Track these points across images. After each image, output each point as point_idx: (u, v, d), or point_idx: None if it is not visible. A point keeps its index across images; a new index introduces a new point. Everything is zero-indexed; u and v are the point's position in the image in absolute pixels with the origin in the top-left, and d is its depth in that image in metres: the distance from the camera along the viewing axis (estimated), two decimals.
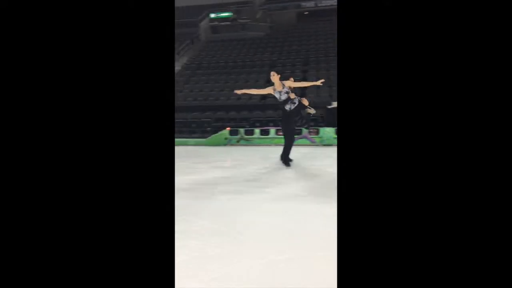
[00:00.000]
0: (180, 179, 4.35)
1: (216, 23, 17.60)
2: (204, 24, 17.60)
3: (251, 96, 10.94)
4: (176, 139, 9.58)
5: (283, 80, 4.45)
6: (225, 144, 9.26)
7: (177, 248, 2.10)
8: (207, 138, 9.56)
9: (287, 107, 4.42)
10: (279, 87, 4.37)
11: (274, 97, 4.47)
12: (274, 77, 4.35)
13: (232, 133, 9.45)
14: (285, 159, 4.61)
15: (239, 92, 4.60)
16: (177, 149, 6.00)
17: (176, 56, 15.08)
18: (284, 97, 4.38)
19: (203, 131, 10.17)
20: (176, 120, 10.51)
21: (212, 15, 17.59)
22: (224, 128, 9.62)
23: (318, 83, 4.55)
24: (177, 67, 14.17)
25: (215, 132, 9.68)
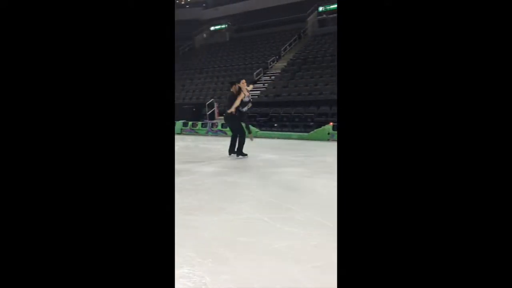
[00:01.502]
0: (282, 170, 4.53)
1: (324, 16, 17.29)
2: (311, 18, 17.51)
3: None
4: (279, 133, 9.94)
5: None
6: (327, 139, 9.12)
7: (282, 233, 2.22)
8: (309, 133, 9.59)
9: (245, 108, 5.72)
10: (246, 92, 5.72)
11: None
12: (244, 84, 5.78)
13: (335, 128, 9.22)
14: (241, 152, 5.65)
15: (233, 110, 5.65)
16: (280, 142, 6.20)
17: (282, 52, 15.47)
18: (247, 99, 5.74)
19: (305, 125, 10.23)
20: (280, 114, 10.87)
21: (321, 9, 17.35)
22: (327, 123, 9.47)
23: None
24: (283, 63, 14.54)
25: (318, 126, 9.61)
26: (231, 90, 5.82)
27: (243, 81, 5.90)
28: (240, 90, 5.70)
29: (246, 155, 5.71)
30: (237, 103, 5.57)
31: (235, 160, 5.54)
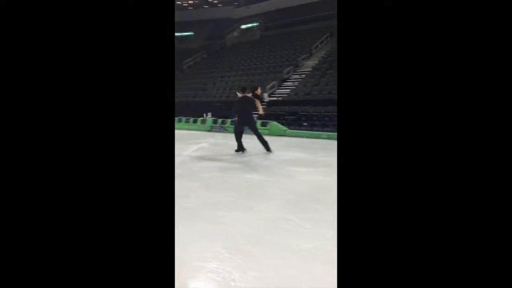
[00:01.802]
0: (310, 169, 4.49)
1: None
2: None
3: None
4: (308, 132, 9.83)
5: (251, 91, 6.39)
6: None
7: (309, 234, 2.22)
8: None
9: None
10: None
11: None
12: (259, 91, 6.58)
13: None
14: (267, 146, 5.93)
15: (262, 112, 6.26)
16: (308, 141, 6.12)
17: (313, 50, 15.26)
18: None
19: (335, 125, 10.05)
20: (309, 113, 10.75)
21: None
22: None
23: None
24: (314, 61, 14.34)
25: None
26: (245, 94, 6.15)
27: (260, 88, 6.81)
28: (258, 96, 6.28)
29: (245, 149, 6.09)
30: (260, 106, 6.18)
31: (263, 158, 5.57)
